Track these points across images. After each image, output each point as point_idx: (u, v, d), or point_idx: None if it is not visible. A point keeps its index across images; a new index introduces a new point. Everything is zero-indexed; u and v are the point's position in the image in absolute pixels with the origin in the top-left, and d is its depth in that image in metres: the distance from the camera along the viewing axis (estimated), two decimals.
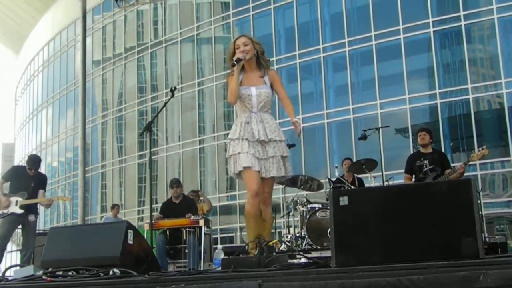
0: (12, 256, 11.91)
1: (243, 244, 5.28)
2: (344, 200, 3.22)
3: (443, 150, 18.78)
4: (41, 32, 42.92)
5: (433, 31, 21.79)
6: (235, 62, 4.69)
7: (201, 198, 11.24)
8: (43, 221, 37.48)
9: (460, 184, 3.30)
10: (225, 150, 5.00)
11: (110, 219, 14.15)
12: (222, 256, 4.48)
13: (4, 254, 7.76)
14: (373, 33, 22.85)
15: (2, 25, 45.16)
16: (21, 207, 7.67)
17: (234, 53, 4.81)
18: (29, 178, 7.90)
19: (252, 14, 26.67)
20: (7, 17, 43.73)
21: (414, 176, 7.78)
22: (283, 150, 4.76)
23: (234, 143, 4.70)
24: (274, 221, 11.10)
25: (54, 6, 39.72)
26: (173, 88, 6.06)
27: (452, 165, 8.03)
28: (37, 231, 8.68)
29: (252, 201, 4.68)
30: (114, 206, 14.73)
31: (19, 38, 46.57)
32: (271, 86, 4.89)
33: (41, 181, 8.09)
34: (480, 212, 12.08)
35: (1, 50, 54.07)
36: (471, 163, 8.11)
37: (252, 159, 4.60)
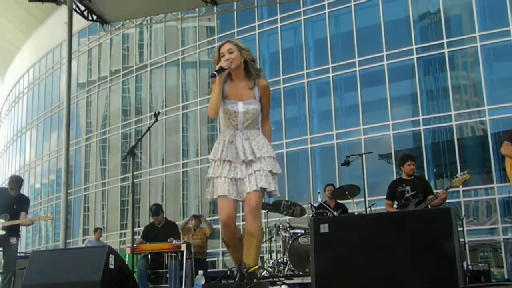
0: None
1: (225, 269, 5.27)
2: (324, 228, 3.24)
3: (426, 176, 18.90)
4: (26, 54, 42.87)
5: (417, 58, 22.03)
6: (215, 73, 4.18)
7: (203, 221, 11.25)
8: (25, 243, 37.03)
9: (440, 213, 3.33)
10: None
11: (93, 242, 14.04)
12: (203, 281, 4.47)
13: None
14: (357, 59, 23.06)
15: None
16: (3, 228, 7.64)
17: (219, 61, 4.29)
18: (11, 200, 7.87)
19: (237, 39, 26.84)
20: None
21: (396, 202, 7.80)
22: (272, 166, 4.30)
23: (215, 165, 4.31)
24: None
25: (40, 29, 39.73)
26: (157, 113, 6.04)
27: (435, 191, 8.05)
28: (18, 254, 8.62)
29: (223, 230, 4.37)
30: (96, 230, 14.65)
31: (4, 60, 46.45)
32: (260, 99, 4.39)
33: (23, 203, 8.06)
34: (463, 240, 12.14)
35: None
36: (453, 189, 8.14)
37: (229, 185, 4.24)
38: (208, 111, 4.35)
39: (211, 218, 25.69)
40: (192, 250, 8.65)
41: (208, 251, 11.44)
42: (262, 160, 4.26)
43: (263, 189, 4.23)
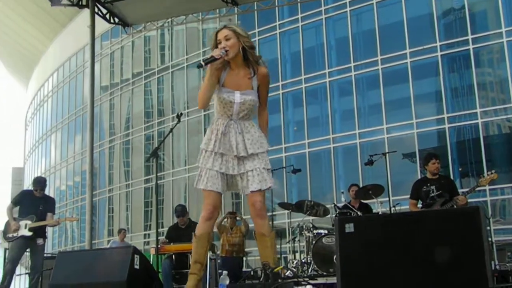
0: (21, 279, 11.94)
1: (250, 270, 5.26)
2: (350, 227, 3.21)
3: (451, 176, 18.71)
4: (50, 58, 43.35)
5: (441, 55, 21.77)
6: (201, 63, 3.96)
7: (238, 219, 11.21)
8: (51, 244, 37.49)
9: (468, 211, 3.25)
10: None
11: (117, 243, 14.17)
12: (227, 282, 4.46)
13: (14, 278, 7.81)
14: (379, 57, 22.88)
15: (13, 52, 45.73)
16: (30, 229, 7.76)
17: (215, 48, 4.09)
18: (37, 202, 7.99)
19: (258, 39, 26.82)
20: (18, 44, 44.27)
21: (421, 201, 7.71)
22: (265, 163, 4.16)
23: (206, 155, 4.20)
24: (276, 242, 11.05)
25: (63, 33, 40.15)
26: (179, 114, 6.07)
27: (460, 190, 7.92)
28: (45, 255, 8.73)
29: (202, 223, 4.24)
30: (120, 231, 14.77)
31: (29, 64, 47.09)
32: (258, 87, 4.19)
33: (49, 204, 8.18)
34: (490, 239, 11.99)
35: (11, 76, 54.51)
36: (480, 188, 8.01)
37: (221, 180, 4.17)
38: (199, 103, 4.24)
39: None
40: (228, 249, 8.60)
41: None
42: (255, 157, 4.13)
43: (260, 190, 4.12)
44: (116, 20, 11.75)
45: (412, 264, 3.13)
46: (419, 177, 17.42)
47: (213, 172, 4.15)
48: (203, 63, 3.94)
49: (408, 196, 7.89)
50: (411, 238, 3.19)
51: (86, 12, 11.35)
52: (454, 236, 3.08)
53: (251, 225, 10.69)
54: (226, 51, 4.00)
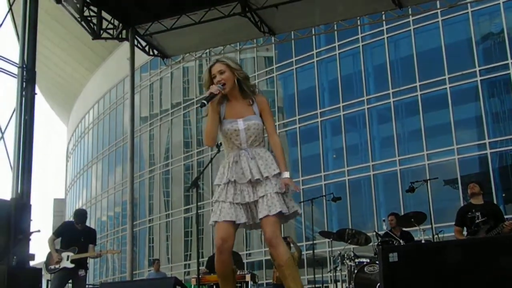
0: None
1: None
2: (393, 257, 3.14)
3: (494, 202, 18.31)
4: (91, 91, 44.21)
5: (480, 80, 21.52)
6: (204, 102, 3.95)
7: (292, 245, 11.10)
8: (92, 275, 37.79)
9: None
10: None
11: (153, 274, 14.22)
12: None
13: None
14: (418, 83, 22.72)
15: (54, 85, 46.82)
16: (72, 261, 7.83)
17: (211, 83, 4.10)
18: (78, 233, 8.08)
19: (295, 68, 26.93)
20: (59, 77, 45.36)
21: (465, 229, 7.55)
22: (278, 187, 3.96)
23: (219, 190, 4.03)
24: (303, 261, 10.83)
25: (104, 66, 40.98)
26: (219, 144, 6.05)
27: (506, 217, 7.74)
28: (86, 286, 8.80)
29: (216, 257, 4.05)
30: (154, 261, 14.78)
31: (70, 96, 48.12)
32: (260, 115, 4.11)
33: (90, 236, 8.26)
34: None
35: (52, 109, 55.76)
36: None
37: (236, 210, 3.97)
38: (204, 141, 4.18)
39: None
40: (279, 276, 8.54)
41: (271, 281, 11.29)
42: (267, 182, 3.96)
43: (277, 214, 3.91)
44: (155, 52, 11.96)
45: None
46: (462, 203, 17.14)
47: (226, 204, 3.99)
48: (205, 102, 3.95)
49: (451, 223, 7.74)
50: (459, 267, 3.10)
51: (126, 44, 11.59)
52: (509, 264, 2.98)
53: None
54: (223, 84, 4.04)
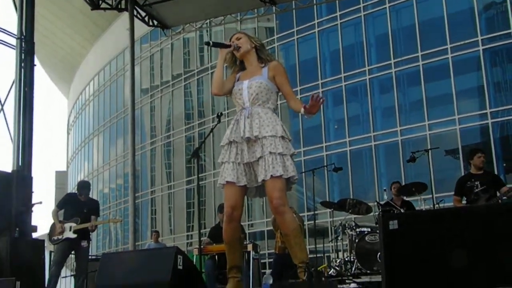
0: (67, 281, 12.15)
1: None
2: (393, 224, 3.16)
3: (496, 172, 18.33)
4: (91, 62, 44.04)
5: (483, 49, 21.37)
6: (209, 42, 4.26)
7: (294, 215, 11.11)
8: (95, 246, 38.07)
9: None
10: None
11: (153, 245, 14.42)
12: (271, 281, 4.45)
13: (59, 280, 7.95)
14: (420, 53, 22.60)
15: (54, 56, 46.53)
16: (75, 232, 7.88)
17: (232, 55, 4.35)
18: (81, 205, 8.12)
19: (297, 38, 26.76)
20: (59, 48, 45.07)
21: (465, 198, 7.57)
22: (275, 146, 3.93)
23: (223, 151, 4.12)
24: (304, 231, 10.95)
25: (103, 37, 40.74)
26: (219, 114, 6.04)
27: (507, 186, 7.71)
28: (89, 257, 8.87)
29: (225, 225, 4.12)
30: (152, 233, 14.97)
31: (70, 68, 47.89)
32: (273, 79, 4.17)
33: (93, 207, 8.30)
34: None
35: (52, 81, 55.58)
36: None
37: (238, 172, 4.01)
38: (212, 88, 4.30)
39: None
40: (281, 246, 8.61)
41: (272, 251, 11.35)
42: (263, 140, 3.97)
43: (278, 177, 3.89)
44: (155, 22, 11.88)
45: (460, 260, 3.06)
46: (463, 173, 17.15)
47: (230, 165, 4.04)
48: (210, 42, 4.25)
49: (451, 193, 7.76)
50: (458, 234, 3.11)
51: (126, 15, 11.51)
52: (508, 232, 2.98)
53: None
54: (238, 46, 4.25)
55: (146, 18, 11.64)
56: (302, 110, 4.03)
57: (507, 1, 21.16)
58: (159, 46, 35.16)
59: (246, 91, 4.12)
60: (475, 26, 21.60)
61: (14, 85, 7.51)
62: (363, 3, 24.49)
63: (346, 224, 8.71)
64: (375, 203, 9.52)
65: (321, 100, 3.94)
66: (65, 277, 10.58)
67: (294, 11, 20.07)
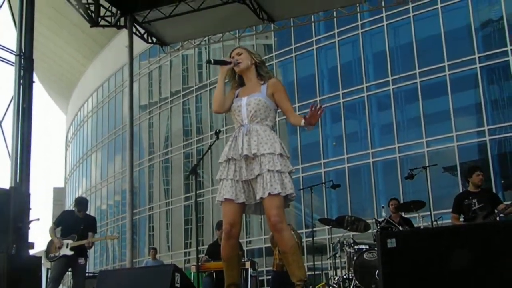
0: None
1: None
2: (392, 242, 3.15)
3: (493, 189, 18.34)
4: (90, 79, 44.13)
5: (480, 67, 21.47)
6: (211, 60, 4.34)
7: (292, 232, 11.08)
8: (92, 263, 37.89)
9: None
10: None
11: (150, 262, 14.34)
12: None
13: None
14: (417, 71, 22.68)
15: (53, 73, 46.66)
16: (72, 249, 7.85)
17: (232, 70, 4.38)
18: (78, 221, 8.10)
19: (295, 56, 26.87)
20: (58, 65, 45.20)
21: (462, 215, 7.56)
22: (273, 164, 3.93)
23: (221, 168, 4.11)
24: (303, 248, 10.90)
25: (102, 54, 40.87)
26: (217, 131, 6.05)
27: (505, 203, 7.71)
28: (86, 274, 8.82)
29: (223, 242, 4.09)
30: (150, 249, 14.87)
31: (69, 85, 47.99)
32: (272, 96, 4.18)
33: (90, 224, 8.27)
34: None
35: (52, 96, 55.68)
36: None
37: (236, 189, 4.00)
38: (213, 106, 4.31)
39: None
40: (278, 263, 8.55)
41: (270, 268, 11.31)
42: (262, 158, 3.96)
43: (276, 195, 3.88)
44: (154, 39, 11.90)
45: (458, 278, 3.05)
46: (461, 190, 17.12)
47: (228, 182, 4.04)
48: (212, 60, 4.33)
49: (450, 210, 7.75)
50: (457, 252, 3.10)
51: (124, 32, 11.54)
52: (505, 250, 2.98)
53: None
54: (238, 62, 4.29)
55: (145, 35, 11.67)
56: (303, 122, 4.08)
57: (503, 18, 21.30)
58: (158, 63, 35.27)
59: (244, 108, 4.13)
60: (472, 43, 21.71)
61: (12, 101, 7.51)
62: (361, 20, 24.61)
63: (345, 241, 8.69)
64: (374, 220, 9.51)
65: (320, 109, 3.99)
66: None
67: (292, 28, 20.14)
